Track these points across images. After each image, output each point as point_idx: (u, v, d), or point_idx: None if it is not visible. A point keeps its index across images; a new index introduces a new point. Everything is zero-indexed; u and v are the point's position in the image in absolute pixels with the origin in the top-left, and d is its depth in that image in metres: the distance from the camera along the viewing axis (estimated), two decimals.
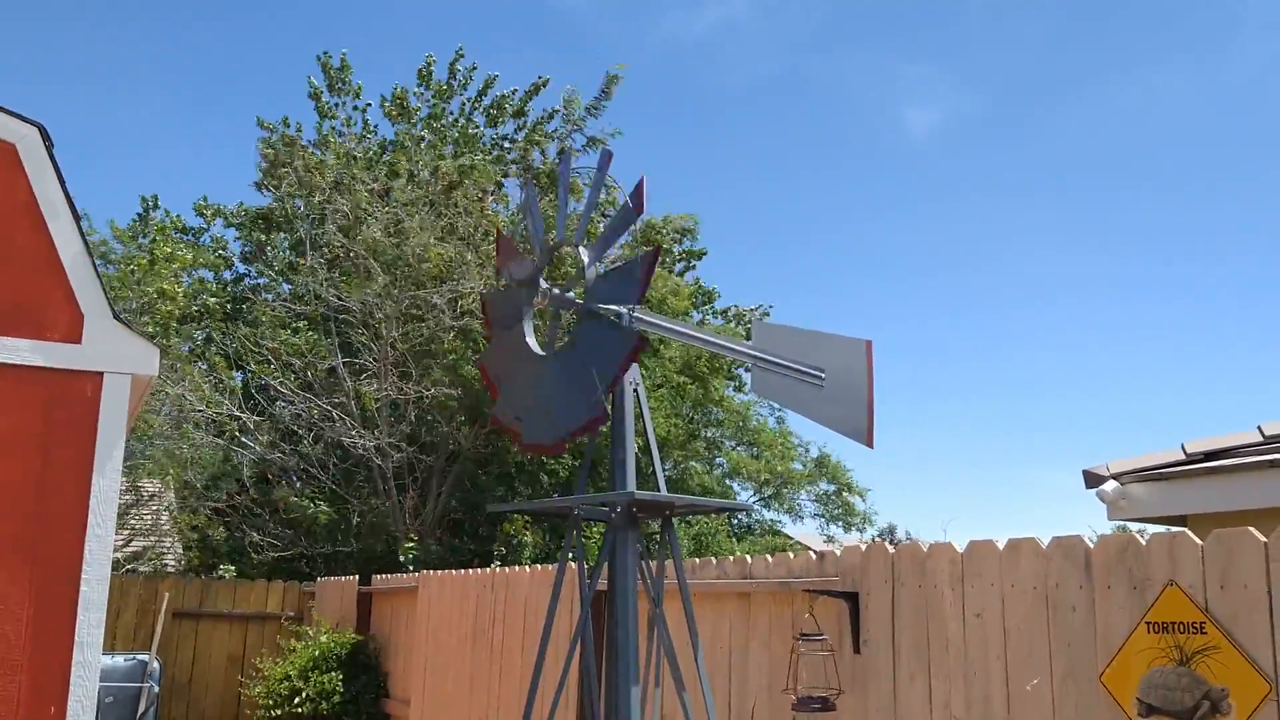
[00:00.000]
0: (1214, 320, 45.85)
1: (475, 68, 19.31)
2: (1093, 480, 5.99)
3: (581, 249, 4.02)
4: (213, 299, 17.19)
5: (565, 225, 4.27)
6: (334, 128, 18.67)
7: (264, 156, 16.48)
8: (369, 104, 19.24)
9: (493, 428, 14.37)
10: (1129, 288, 43.24)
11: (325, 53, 18.98)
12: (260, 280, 18.11)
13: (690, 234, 18.33)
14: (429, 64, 19.22)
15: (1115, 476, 5.90)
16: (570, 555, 3.98)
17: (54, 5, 29.90)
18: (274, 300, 16.22)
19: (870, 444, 3.72)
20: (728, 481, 18.67)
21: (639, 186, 3.74)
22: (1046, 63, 37.72)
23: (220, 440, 15.04)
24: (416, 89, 19.24)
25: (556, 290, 4.10)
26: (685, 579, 3.93)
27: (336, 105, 19.02)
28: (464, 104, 19.36)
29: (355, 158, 16.70)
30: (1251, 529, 3.38)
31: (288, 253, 17.47)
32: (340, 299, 14.36)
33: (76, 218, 5.89)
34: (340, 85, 18.99)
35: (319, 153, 17.03)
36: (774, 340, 4.04)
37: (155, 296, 15.11)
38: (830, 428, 3.89)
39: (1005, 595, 4.10)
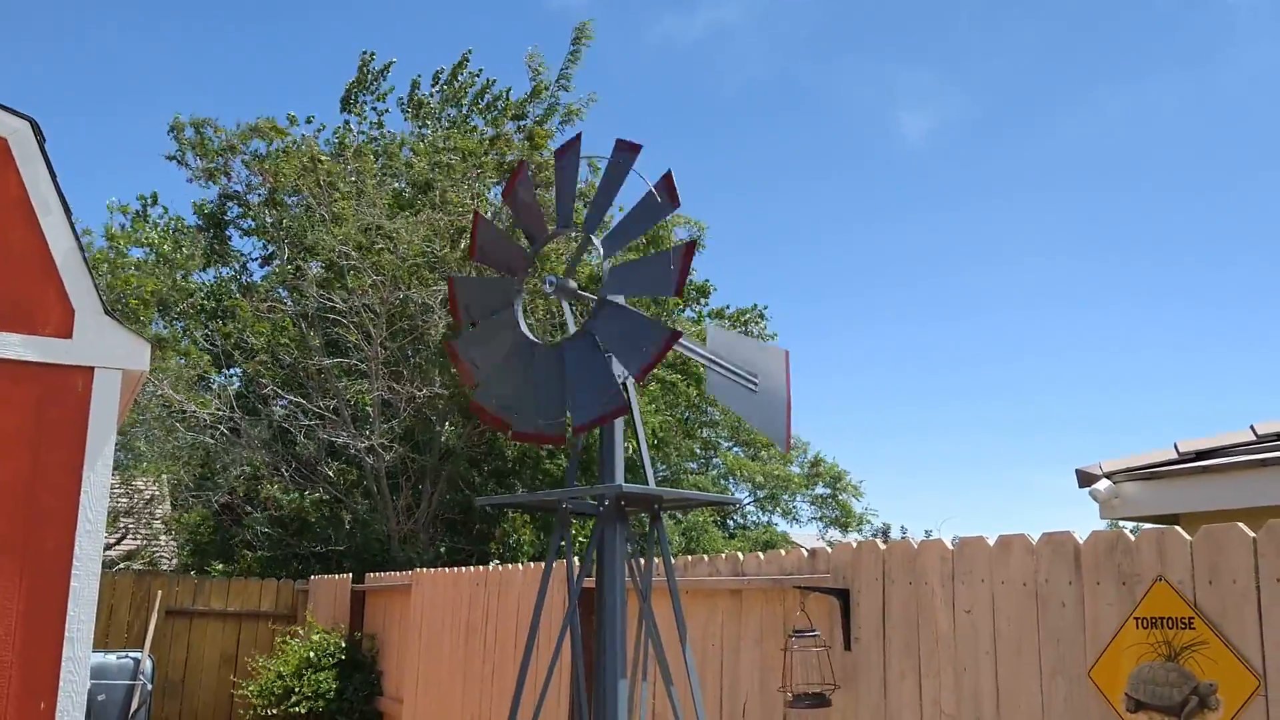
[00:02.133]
0: (1207, 322, 45.95)
1: (481, 71, 19.23)
2: (1086, 479, 5.99)
3: (594, 238, 3.94)
4: (203, 293, 17.12)
5: (570, 212, 4.19)
6: (347, 122, 18.67)
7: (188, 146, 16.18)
8: (386, 110, 19.31)
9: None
10: (1122, 291, 43.33)
11: (369, 52, 19.04)
12: (227, 272, 18.06)
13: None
14: (439, 72, 19.21)
15: (1108, 475, 5.90)
16: (559, 549, 3.97)
17: (61, 11, 29.89)
18: (256, 285, 16.17)
19: (786, 449, 3.82)
20: (723, 482, 18.65)
21: (668, 179, 3.65)
22: (1040, 69, 37.79)
23: (211, 441, 15.00)
24: (429, 93, 19.27)
25: (567, 281, 3.97)
26: (674, 573, 3.93)
27: (365, 104, 19.12)
28: (463, 109, 19.33)
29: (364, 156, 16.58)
30: (1240, 524, 3.37)
31: (259, 250, 17.43)
32: (330, 301, 14.31)
33: (68, 212, 5.88)
34: (374, 85, 19.01)
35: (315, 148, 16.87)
36: (724, 345, 4.15)
37: (124, 287, 15.03)
38: (759, 429, 4.02)
39: (995, 592, 4.10)
